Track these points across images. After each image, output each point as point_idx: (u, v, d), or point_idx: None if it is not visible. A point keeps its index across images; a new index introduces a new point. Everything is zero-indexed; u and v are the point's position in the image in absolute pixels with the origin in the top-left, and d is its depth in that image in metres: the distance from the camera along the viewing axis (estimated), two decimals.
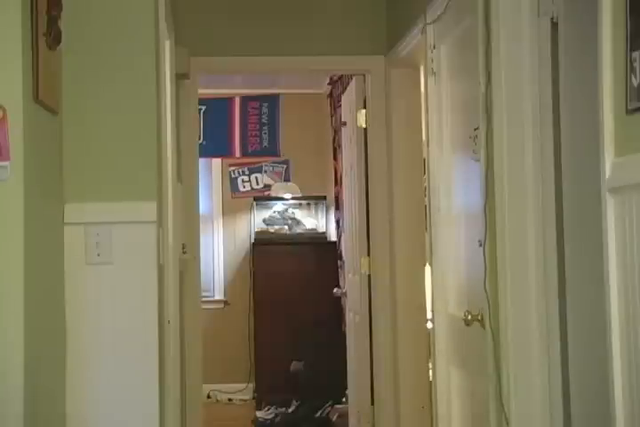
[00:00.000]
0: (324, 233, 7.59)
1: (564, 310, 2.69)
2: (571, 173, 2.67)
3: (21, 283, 2.13)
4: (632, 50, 1.79)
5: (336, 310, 6.76)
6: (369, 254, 4.90)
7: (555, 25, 2.70)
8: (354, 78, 5.11)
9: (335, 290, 5.86)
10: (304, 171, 7.86)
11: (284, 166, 7.96)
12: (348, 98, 5.37)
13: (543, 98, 2.75)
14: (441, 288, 3.59)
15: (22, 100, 2.15)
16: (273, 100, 7.78)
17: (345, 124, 5.41)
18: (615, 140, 1.89)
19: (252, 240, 7.57)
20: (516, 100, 2.79)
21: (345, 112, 5.61)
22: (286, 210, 7.68)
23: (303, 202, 7.75)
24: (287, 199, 7.71)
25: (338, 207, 6.96)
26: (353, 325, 5.42)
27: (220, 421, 6.56)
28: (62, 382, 2.64)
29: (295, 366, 7.05)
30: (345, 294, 5.63)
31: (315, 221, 7.71)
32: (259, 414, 6.83)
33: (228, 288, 7.90)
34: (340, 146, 6.38)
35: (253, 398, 7.36)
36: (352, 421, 5.49)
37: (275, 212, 7.68)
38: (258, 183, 7.98)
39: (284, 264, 7.21)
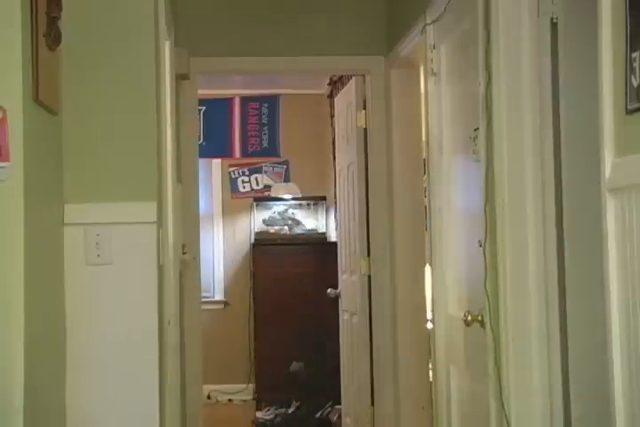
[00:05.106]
0: (324, 233, 7.59)
1: (563, 310, 2.69)
2: (571, 173, 2.67)
3: (22, 283, 2.13)
4: (632, 50, 1.79)
5: (336, 311, 6.75)
6: (369, 255, 4.91)
7: (555, 25, 2.70)
8: (353, 79, 5.11)
9: (329, 291, 5.72)
10: (304, 171, 7.86)
11: (284, 167, 7.95)
12: (345, 98, 5.37)
13: (543, 98, 2.75)
14: (441, 288, 3.59)
15: (22, 100, 2.15)
16: (273, 100, 7.78)
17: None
18: (615, 140, 1.89)
19: (252, 241, 7.57)
20: (516, 100, 2.79)
21: (339, 112, 5.61)
22: (286, 210, 7.68)
23: (303, 202, 7.74)
24: (287, 200, 7.71)
25: None
26: (348, 325, 5.43)
27: (220, 421, 6.56)
28: (62, 383, 2.64)
29: (295, 366, 7.05)
30: (339, 294, 5.61)
31: (315, 221, 7.71)
32: (259, 414, 6.83)
33: (227, 289, 7.90)
34: None
35: (253, 398, 7.36)
36: (346, 421, 5.50)
37: (275, 212, 7.68)
38: (258, 184, 7.98)
39: (284, 265, 7.21)
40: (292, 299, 7.08)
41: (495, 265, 2.85)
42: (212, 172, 7.93)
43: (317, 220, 7.72)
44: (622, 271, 1.85)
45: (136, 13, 2.81)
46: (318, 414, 6.55)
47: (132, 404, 2.71)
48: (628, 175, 1.83)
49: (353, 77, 5.12)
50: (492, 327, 2.84)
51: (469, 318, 3.01)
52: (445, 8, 3.39)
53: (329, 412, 6.47)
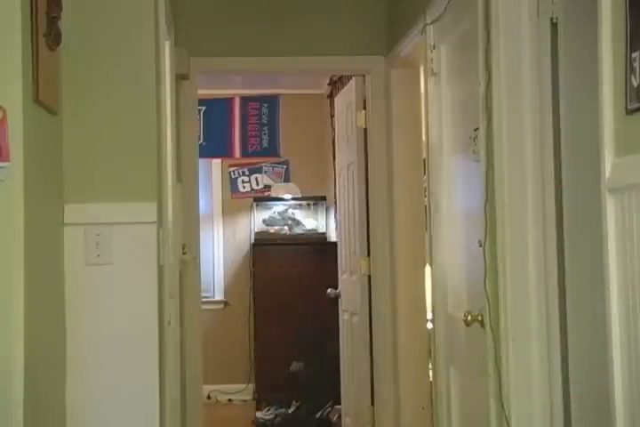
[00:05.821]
0: (324, 233, 7.59)
1: (563, 310, 2.69)
2: (571, 173, 2.67)
3: (22, 283, 2.13)
4: (632, 50, 1.79)
5: (336, 311, 6.75)
6: (369, 255, 4.90)
7: (555, 25, 2.70)
8: (353, 79, 5.12)
9: (329, 291, 5.72)
10: (304, 171, 7.86)
11: (284, 167, 7.96)
12: (345, 98, 5.37)
13: (543, 98, 2.75)
14: (441, 288, 3.59)
15: (22, 100, 2.15)
16: (273, 100, 7.78)
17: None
18: (615, 140, 1.89)
19: (252, 241, 7.57)
20: (516, 100, 2.79)
21: (339, 112, 5.61)
22: (286, 210, 7.68)
23: (303, 202, 7.74)
24: (287, 200, 7.71)
25: None
26: (348, 325, 5.43)
27: (220, 421, 6.56)
28: (62, 383, 2.64)
29: (295, 366, 7.05)
30: (339, 294, 5.61)
31: (315, 221, 7.71)
32: (259, 414, 6.83)
33: (227, 289, 7.90)
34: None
35: (253, 398, 7.36)
36: (345, 421, 5.50)
37: (275, 212, 7.68)
38: (258, 184, 7.98)
39: (284, 265, 7.21)
40: (292, 299, 7.08)
41: (495, 265, 2.85)
42: (212, 172, 7.93)
43: (317, 220, 7.72)
44: (622, 271, 1.85)
45: (136, 13, 2.81)
46: (318, 415, 6.54)
47: (132, 404, 2.71)
48: (628, 175, 1.83)
49: (353, 77, 5.12)
50: (491, 327, 2.84)
51: (469, 318, 3.01)
52: (445, 8, 3.39)
53: (329, 412, 6.47)
